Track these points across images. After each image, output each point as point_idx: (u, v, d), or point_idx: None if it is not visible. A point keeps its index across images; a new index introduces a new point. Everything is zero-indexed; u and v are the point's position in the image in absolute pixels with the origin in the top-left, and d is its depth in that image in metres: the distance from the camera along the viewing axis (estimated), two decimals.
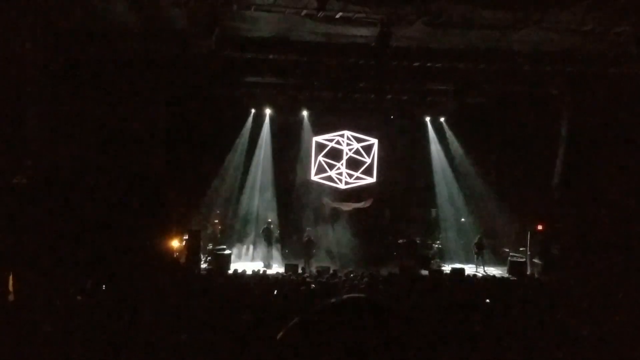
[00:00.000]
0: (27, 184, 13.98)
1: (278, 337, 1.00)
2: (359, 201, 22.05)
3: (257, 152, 21.46)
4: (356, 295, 1.09)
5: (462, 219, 22.06)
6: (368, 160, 22.10)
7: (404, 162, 22.34)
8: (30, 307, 10.32)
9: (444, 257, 21.26)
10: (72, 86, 15.04)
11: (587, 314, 11.12)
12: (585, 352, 8.45)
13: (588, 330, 9.41)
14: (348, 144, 22.06)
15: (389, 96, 19.99)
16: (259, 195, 21.54)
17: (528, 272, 18.65)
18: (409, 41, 15.55)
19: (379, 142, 22.10)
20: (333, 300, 1.02)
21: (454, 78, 18.47)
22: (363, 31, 14.61)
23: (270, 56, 16.96)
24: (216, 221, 20.66)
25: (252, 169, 21.43)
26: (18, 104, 13.81)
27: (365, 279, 15.21)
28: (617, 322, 10.29)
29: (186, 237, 18.00)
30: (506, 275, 18.73)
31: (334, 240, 20.78)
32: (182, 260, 17.51)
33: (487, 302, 12.12)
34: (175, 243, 17.43)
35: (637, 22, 13.38)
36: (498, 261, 20.72)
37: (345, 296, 1.04)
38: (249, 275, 15.92)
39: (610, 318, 10.71)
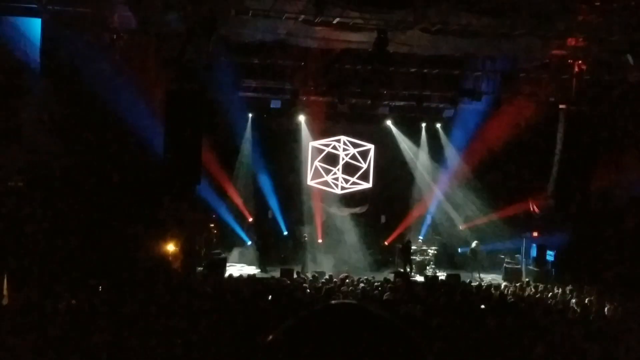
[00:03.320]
0: (23, 187, 13.96)
1: (266, 341, 1.00)
2: (355, 206, 22.05)
3: (253, 156, 21.42)
4: (346, 301, 1.09)
5: (460, 227, 22.03)
6: (364, 166, 22.11)
7: (400, 168, 22.32)
8: (24, 311, 10.28)
9: (439, 263, 21.26)
10: (67, 88, 15.02)
11: (583, 320, 11.13)
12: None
13: (581, 336, 9.44)
14: (344, 149, 22.06)
15: (386, 102, 20.02)
16: (254, 199, 21.54)
17: (523, 279, 18.64)
18: (406, 47, 15.59)
19: (375, 148, 22.12)
20: (322, 305, 1.02)
21: (451, 84, 18.51)
22: (360, 37, 14.64)
23: (268, 61, 16.99)
24: (212, 225, 20.60)
25: (248, 173, 21.39)
26: (13, 106, 13.80)
27: (361, 285, 15.21)
28: (612, 328, 10.30)
29: (182, 241, 17.92)
30: (501, 281, 18.73)
31: (330, 246, 20.76)
32: (177, 264, 17.45)
33: (482, 308, 12.13)
34: (171, 247, 17.38)
35: (632, 29, 13.44)
36: (493, 268, 20.73)
37: (334, 302, 1.04)
38: (244, 279, 15.89)
39: (606, 324, 10.73)
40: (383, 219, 22.33)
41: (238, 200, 21.00)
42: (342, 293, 13.65)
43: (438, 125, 22.13)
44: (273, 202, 21.57)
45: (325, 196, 21.98)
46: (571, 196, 18.40)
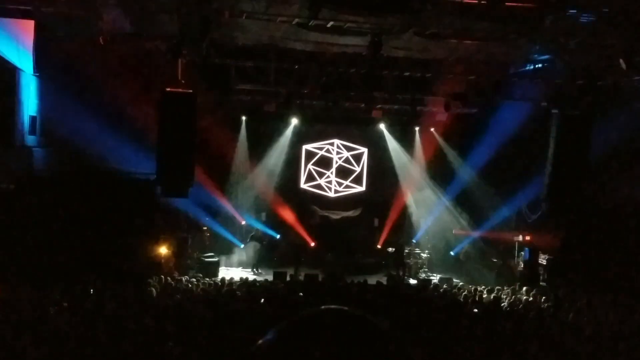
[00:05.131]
0: (14, 189, 13.89)
1: (256, 345, 1.00)
2: (348, 210, 22.05)
3: (246, 159, 21.38)
4: (336, 307, 1.08)
5: (453, 230, 22.03)
6: (358, 169, 22.14)
7: (393, 172, 22.33)
8: (15, 313, 10.22)
9: (432, 266, 21.27)
10: (60, 91, 14.97)
11: (575, 324, 11.17)
12: None
13: (573, 340, 9.47)
14: (338, 153, 22.09)
15: (379, 105, 20.04)
16: (248, 202, 21.50)
17: (516, 283, 18.66)
18: (400, 51, 15.61)
19: (369, 151, 22.15)
20: (312, 310, 1.02)
21: (445, 88, 18.53)
22: (354, 40, 14.63)
23: (262, 64, 16.98)
24: (205, 228, 20.55)
25: (241, 176, 21.35)
26: (5, 108, 13.74)
27: (354, 288, 15.20)
28: (605, 331, 10.34)
29: (174, 244, 17.87)
30: (494, 285, 18.73)
31: (323, 249, 20.73)
32: (170, 267, 17.39)
33: (475, 312, 12.16)
34: (163, 250, 17.32)
35: (626, 35, 13.49)
36: (486, 271, 20.75)
37: (324, 307, 1.03)
38: (236, 282, 15.86)
39: (598, 327, 10.76)
40: (376, 222, 22.34)
41: (231, 203, 20.96)
42: (334, 296, 13.64)
43: (432, 129, 22.17)
44: (265, 205, 21.56)
45: (319, 199, 21.98)
46: (564, 200, 18.45)
